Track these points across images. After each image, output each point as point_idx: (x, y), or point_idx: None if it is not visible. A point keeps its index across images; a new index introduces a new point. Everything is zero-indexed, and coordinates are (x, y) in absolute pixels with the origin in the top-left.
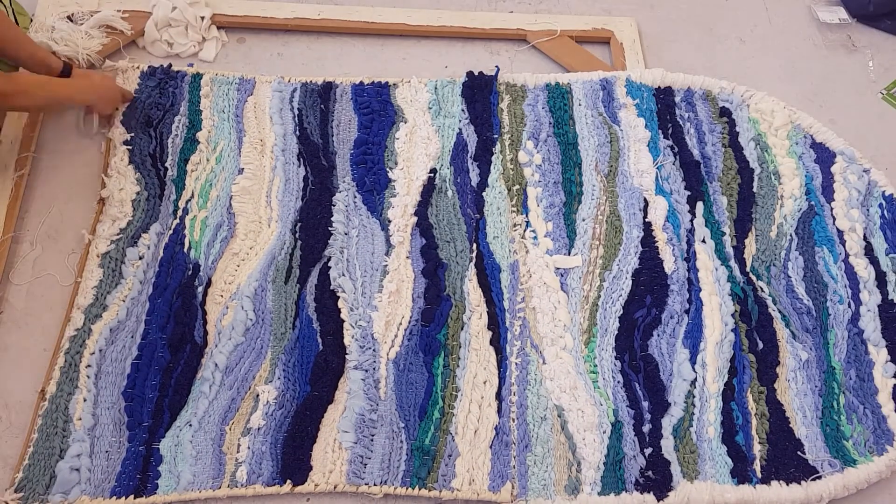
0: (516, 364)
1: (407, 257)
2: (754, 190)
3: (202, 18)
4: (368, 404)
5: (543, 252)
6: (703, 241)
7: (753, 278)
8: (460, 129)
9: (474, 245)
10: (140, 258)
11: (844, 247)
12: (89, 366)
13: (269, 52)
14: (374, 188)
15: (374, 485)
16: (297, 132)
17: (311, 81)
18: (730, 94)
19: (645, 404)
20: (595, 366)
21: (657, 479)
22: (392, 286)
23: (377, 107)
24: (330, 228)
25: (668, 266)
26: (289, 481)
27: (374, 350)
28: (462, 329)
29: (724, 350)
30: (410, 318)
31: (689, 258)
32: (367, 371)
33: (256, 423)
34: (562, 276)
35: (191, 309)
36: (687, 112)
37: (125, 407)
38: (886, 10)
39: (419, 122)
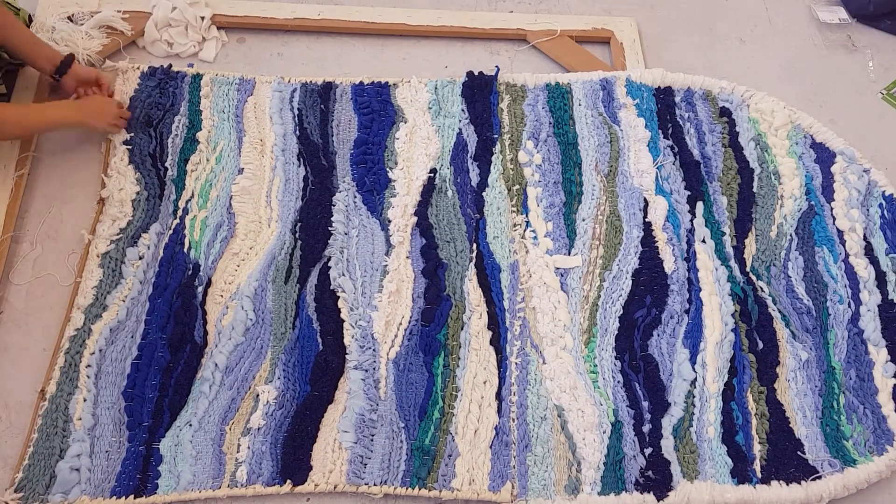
0: (516, 364)
1: (407, 257)
2: (754, 190)
3: (202, 18)
4: (368, 404)
5: (543, 252)
6: (703, 241)
7: (753, 278)
8: (460, 129)
9: (474, 245)
10: (140, 258)
11: (844, 247)
12: (89, 366)
13: (269, 52)
14: (374, 188)
15: (374, 485)
16: (297, 132)
17: (311, 81)
18: (730, 94)
19: (645, 404)
20: (595, 366)
21: (657, 479)
22: (392, 286)
23: (377, 107)
24: (330, 228)
25: (668, 266)
26: (289, 481)
27: (374, 350)
28: (462, 329)
29: (724, 350)
30: (410, 318)
31: (689, 258)
32: (367, 371)
33: (256, 423)
34: (562, 276)
35: (191, 309)
36: (687, 112)
37: (125, 407)
38: (886, 10)
39: (419, 122)
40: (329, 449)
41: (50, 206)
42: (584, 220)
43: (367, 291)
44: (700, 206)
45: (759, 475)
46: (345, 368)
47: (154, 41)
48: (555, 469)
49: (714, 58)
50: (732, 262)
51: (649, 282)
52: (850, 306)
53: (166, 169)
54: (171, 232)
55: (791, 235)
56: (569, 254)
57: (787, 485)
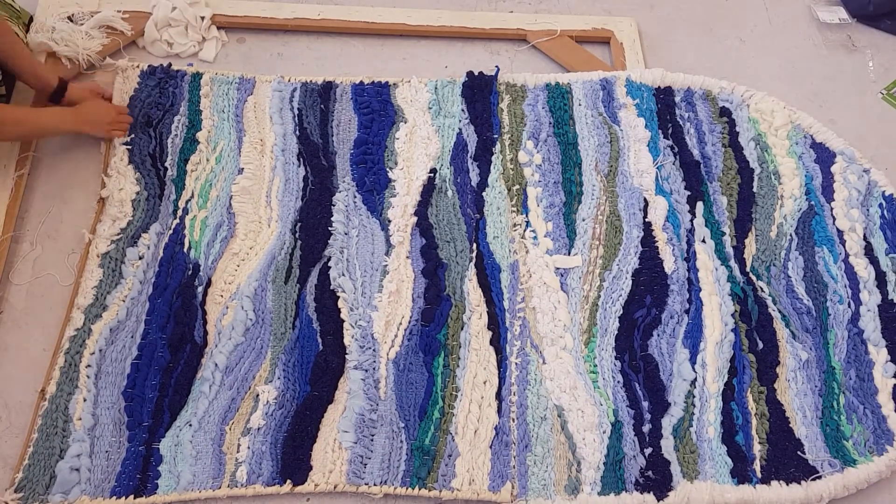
0: (516, 364)
1: (407, 257)
2: (754, 190)
3: (202, 18)
4: (368, 404)
5: (543, 252)
6: (703, 241)
7: (753, 278)
8: (460, 129)
9: (474, 245)
10: (140, 258)
11: (844, 247)
12: (89, 366)
13: (269, 52)
14: (374, 188)
15: (374, 485)
16: (297, 132)
17: (311, 81)
18: (730, 94)
19: (645, 404)
20: (595, 366)
21: (657, 478)
22: (392, 286)
23: (377, 107)
24: (330, 228)
25: (668, 266)
26: (289, 481)
27: (374, 350)
28: (462, 329)
29: (724, 350)
30: (410, 318)
31: (689, 258)
32: (367, 371)
33: (256, 423)
34: (562, 276)
35: (191, 309)
36: (687, 112)
37: (125, 407)
38: (886, 10)
39: (419, 122)
40: (329, 449)
41: (50, 206)
42: (584, 220)
43: (367, 291)
44: (700, 206)
45: (759, 475)
46: (345, 368)
47: (154, 41)
48: (555, 469)
49: (714, 58)
50: (732, 262)
51: (649, 282)
52: (850, 306)
53: (166, 169)
54: (171, 232)
55: (791, 235)
56: (569, 254)
57: (787, 485)
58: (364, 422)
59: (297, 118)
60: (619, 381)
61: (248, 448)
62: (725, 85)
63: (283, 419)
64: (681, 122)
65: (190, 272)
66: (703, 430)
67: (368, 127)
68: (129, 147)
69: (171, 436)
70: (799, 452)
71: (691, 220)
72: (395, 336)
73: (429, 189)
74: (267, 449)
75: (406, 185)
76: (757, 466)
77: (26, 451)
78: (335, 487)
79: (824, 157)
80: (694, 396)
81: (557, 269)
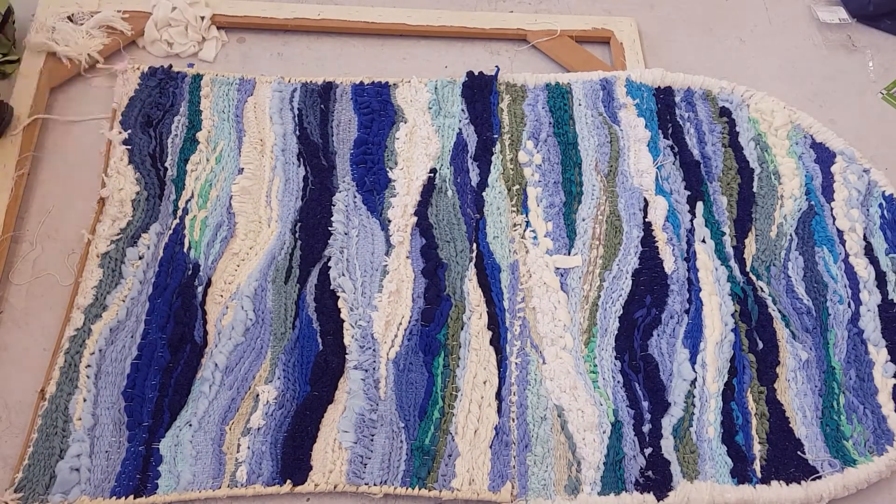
0: (516, 364)
1: (407, 257)
2: (754, 190)
3: (202, 18)
4: (368, 404)
5: (543, 252)
6: (703, 241)
7: (753, 278)
8: (460, 129)
9: (474, 245)
10: (140, 258)
11: (844, 247)
12: (89, 366)
13: (269, 52)
14: (374, 188)
15: (374, 485)
16: (297, 132)
17: (311, 81)
18: (730, 94)
19: (645, 404)
20: (595, 366)
21: (657, 478)
22: (392, 286)
23: (377, 107)
24: (330, 228)
25: (668, 266)
26: (289, 481)
27: (374, 350)
28: (462, 329)
29: (724, 350)
30: (410, 318)
31: (689, 258)
32: (367, 371)
33: (256, 423)
34: (562, 276)
35: (191, 309)
36: (687, 112)
37: (125, 407)
38: (886, 10)
39: (419, 122)
40: (329, 449)
41: (50, 206)
42: (584, 220)
43: (367, 291)
44: (700, 206)
45: (759, 475)
46: (345, 368)
47: (154, 41)
48: (555, 469)
49: (714, 58)
50: (732, 262)
51: (649, 282)
52: (850, 306)
53: (166, 169)
54: (170, 232)
55: (791, 235)
56: (569, 254)
57: (787, 485)
58: (364, 422)
59: (297, 118)
60: (619, 381)
61: (248, 448)
62: (725, 85)
63: (283, 419)
64: (681, 122)
65: (190, 272)
66: (703, 430)
67: (368, 127)
68: (129, 147)
69: (171, 436)
70: (799, 452)
71: (691, 220)
72: (395, 336)
73: (429, 189)
74: (267, 449)
75: (406, 185)
76: (757, 466)
77: (26, 451)
78: (335, 487)
79: (824, 157)
80: (694, 396)
81: (557, 269)
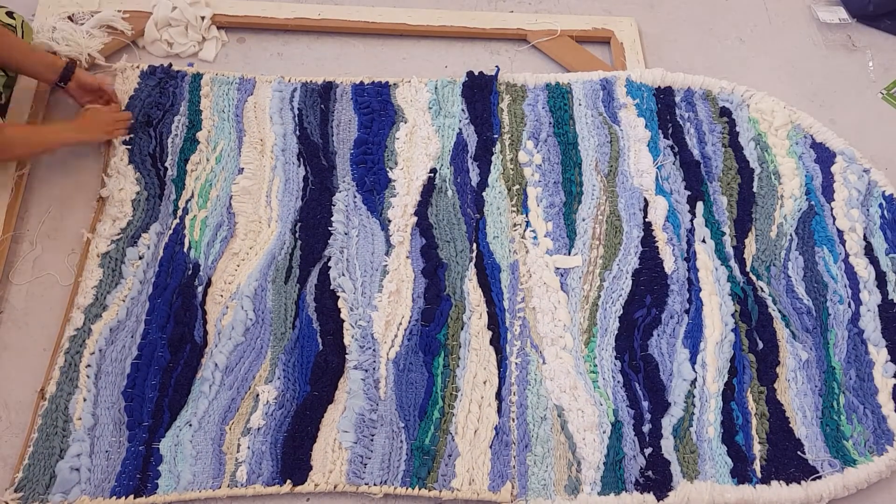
0: (516, 364)
1: (407, 257)
2: (754, 190)
3: (202, 18)
4: (368, 404)
5: (543, 252)
6: (703, 240)
7: (753, 278)
8: (460, 129)
9: (474, 245)
10: (140, 258)
11: (844, 247)
12: (89, 366)
13: (269, 52)
14: (374, 188)
15: (374, 485)
16: (297, 132)
17: (311, 81)
18: (730, 94)
19: (645, 404)
20: (595, 366)
21: (657, 478)
22: (392, 286)
23: (377, 107)
24: (330, 228)
25: (668, 266)
26: (289, 481)
27: (374, 350)
28: (462, 329)
29: (724, 350)
30: (410, 317)
31: (689, 258)
32: (367, 371)
33: (256, 422)
34: (562, 276)
35: (191, 309)
36: (687, 112)
37: (125, 407)
38: (886, 10)
39: (419, 122)
40: (329, 449)
41: (50, 206)
42: (584, 219)
43: (367, 291)
44: (700, 206)
45: (759, 475)
46: (345, 368)
47: (154, 41)
48: (555, 469)
49: (714, 58)
50: (732, 262)
51: (649, 282)
52: (850, 306)
53: (166, 169)
54: (171, 232)
55: (791, 235)
56: (569, 254)
57: (787, 485)
58: (364, 422)
59: (297, 118)
60: (619, 381)
61: (248, 448)
62: (725, 85)
63: (283, 419)
64: (681, 122)
65: (190, 272)
66: (703, 430)
67: (368, 127)
68: (129, 147)
69: (171, 436)
70: (799, 452)
71: (691, 220)
72: (395, 336)
73: (429, 189)
74: (267, 449)
75: (406, 185)
76: (757, 466)
77: (26, 450)
78: (335, 487)
79: (824, 157)
80: (694, 396)
81: (557, 269)
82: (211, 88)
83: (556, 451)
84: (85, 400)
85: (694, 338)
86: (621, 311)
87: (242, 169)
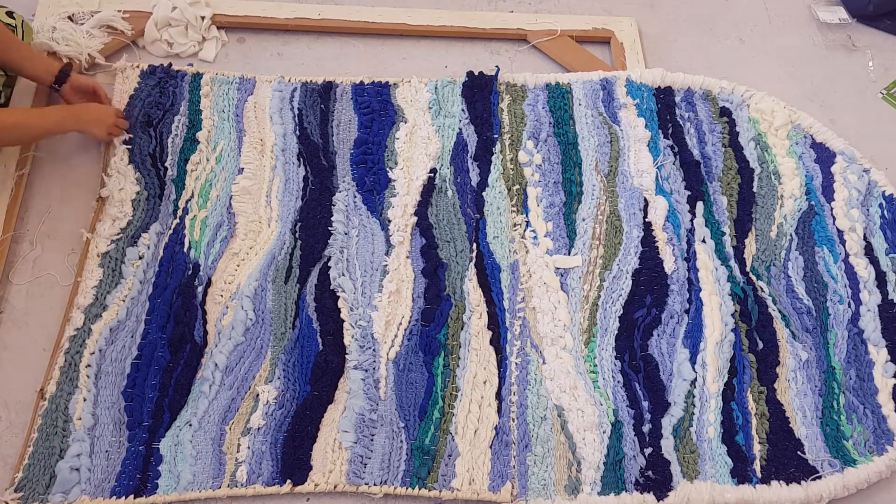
0: (516, 364)
1: (407, 257)
2: (754, 190)
3: (202, 18)
4: (368, 404)
5: (543, 252)
6: (703, 240)
7: (753, 278)
8: (460, 129)
9: (474, 245)
10: (140, 258)
11: (844, 247)
12: (89, 365)
13: (269, 52)
14: (374, 188)
15: (374, 485)
16: (297, 132)
17: (311, 81)
18: (730, 94)
19: (645, 404)
20: (595, 366)
21: (657, 478)
22: (392, 286)
23: (377, 106)
24: (330, 228)
25: (668, 266)
26: (289, 481)
27: (374, 350)
28: (462, 329)
29: (724, 350)
30: (410, 317)
31: (689, 258)
32: (367, 371)
33: (256, 422)
34: (562, 275)
35: (191, 309)
36: (687, 112)
37: (125, 407)
38: (886, 10)
39: (419, 122)
40: (329, 449)
41: (50, 205)
42: (584, 219)
43: (367, 291)
44: (700, 206)
45: (759, 475)
46: (345, 368)
47: (154, 41)
48: (555, 469)
49: (714, 58)
50: (732, 262)
51: (649, 282)
52: (850, 306)
53: (166, 169)
54: (171, 232)
55: (791, 235)
56: (569, 254)
57: (787, 485)
58: (364, 422)
59: (297, 118)
60: (619, 381)
61: (248, 448)
62: (725, 85)
63: (283, 419)
64: (681, 122)
65: (190, 272)
66: (703, 429)
67: (368, 127)
68: (130, 147)
69: (171, 436)
70: (799, 452)
71: (691, 220)
72: (395, 336)
73: (429, 189)
74: (267, 449)
75: (406, 185)
76: (757, 466)
77: (26, 450)
78: (335, 487)
79: (824, 157)
80: (694, 396)
81: (557, 269)
82: (211, 88)
83: (556, 451)
84: (85, 400)
85: (694, 338)
86: (621, 311)
87: (242, 169)
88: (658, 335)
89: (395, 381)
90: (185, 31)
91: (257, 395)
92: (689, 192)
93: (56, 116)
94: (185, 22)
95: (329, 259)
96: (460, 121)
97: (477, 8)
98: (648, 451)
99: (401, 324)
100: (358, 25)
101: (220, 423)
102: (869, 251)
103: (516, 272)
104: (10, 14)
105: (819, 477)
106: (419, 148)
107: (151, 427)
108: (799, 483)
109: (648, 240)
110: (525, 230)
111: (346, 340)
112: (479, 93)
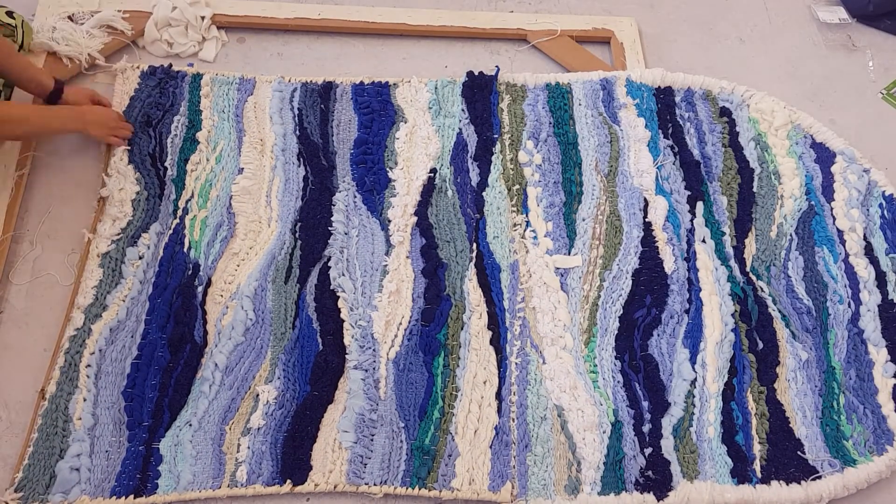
0: (516, 364)
1: (407, 257)
2: (754, 190)
3: (202, 18)
4: (368, 404)
5: (543, 252)
6: (703, 240)
7: (753, 278)
8: (460, 129)
9: (474, 245)
10: (140, 258)
11: (844, 247)
12: (89, 365)
13: (269, 52)
14: (374, 188)
15: (374, 485)
16: (297, 132)
17: (311, 81)
18: (730, 94)
19: (645, 404)
20: (595, 366)
21: (657, 478)
22: (392, 286)
23: (377, 106)
24: (330, 228)
25: (668, 266)
26: (289, 481)
27: (374, 350)
28: (462, 329)
29: (724, 350)
30: (410, 317)
31: (689, 258)
32: (367, 371)
33: (256, 422)
34: (562, 275)
35: (191, 309)
36: (687, 112)
37: (125, 407)
38: (886, 10)
39: (419, 122)
40: (329, 449)
41: (50, 205)
42: (584, 219)
43: (367, 291)
44: (700, 205)
45: (759, 475)
46: (345, 368)
47: (154, 41)
48: (555, 469)
49: (714, 58)
50: (732, 262)
51: (649, 282)
52: (850, 306)
53: (166, 169)
54: (171, 232)
55: (791, 235)
56: (569, 254)
57: (787, 485)
58: (364, 422)
59: (297, 118)
60: (619, 381)
61: (248, 448)
62: (725, 85)
63: (283, 419)
64: (681, 122)
65: (190, 272)
66: (703, 429)
67: (368, 127)
68: (129, 147)
69: (171, 436)
70: (799, 452)
71: (691, 220)
72: (395, 336)
73: (429, 189)
74: (267, 449)
75: (406, 185)
76: (757, 466)
77: (26, 450)
78: (335, 487)
79: (824, 156)
80: (694, 396)
81: (557, 269)
82: (211, 88)
83: (556, 451)
84: (85, 400)
85: (694, 338)
86: (621, 311)
87: (242, 169)
88: (658, 335)
89: (395, 381)
90: (185, 31)
91: (257, 395)
92: (689, 192)
93: (62, 115)
94: (185, 22)
95: (329, 259)
96: (460, 121)
97: (477, 8)
98: (648, 451)
99: (401, 324)
100: (358, 25)
101: (220, 423)
102: (869, 251)
103: (516, 272)
104: (9, 14)
105: (819, 477)
106: (419, 148)
107: (151, 427)
108: (799, 483)
109: (648, 240)
110: (525, 230)
111: (346, 340)
112: (479, 93)
